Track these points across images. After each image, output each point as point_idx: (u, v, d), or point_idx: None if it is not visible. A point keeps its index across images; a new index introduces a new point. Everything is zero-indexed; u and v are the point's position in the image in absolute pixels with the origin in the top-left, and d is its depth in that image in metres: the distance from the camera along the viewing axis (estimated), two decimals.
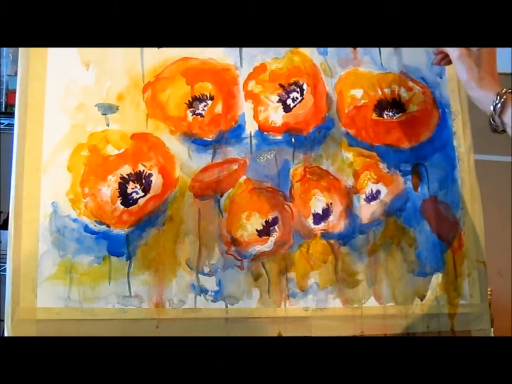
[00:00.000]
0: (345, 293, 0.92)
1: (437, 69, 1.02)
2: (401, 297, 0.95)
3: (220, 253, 0.87)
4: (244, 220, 0.89)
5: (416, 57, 1.02)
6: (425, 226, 0.98)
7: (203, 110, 0.90)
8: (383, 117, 0.99)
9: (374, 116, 0.99)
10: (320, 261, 0.92)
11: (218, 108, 0.91)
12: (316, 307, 0.90)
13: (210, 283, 0.86)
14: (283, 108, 0.94)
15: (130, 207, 0.84)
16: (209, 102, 0.91)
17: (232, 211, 0.89)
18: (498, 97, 0.75)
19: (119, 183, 0.85)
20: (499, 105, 0.74)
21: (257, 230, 0.90)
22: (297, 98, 0.95)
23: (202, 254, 0.86)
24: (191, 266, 0.86)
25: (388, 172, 0.98)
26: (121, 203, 0.84)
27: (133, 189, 0.85)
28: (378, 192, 0.97)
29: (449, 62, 0.85)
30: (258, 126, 0.92)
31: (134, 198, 0.85)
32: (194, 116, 0.90)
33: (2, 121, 1.66)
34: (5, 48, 1.68)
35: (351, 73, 0.99)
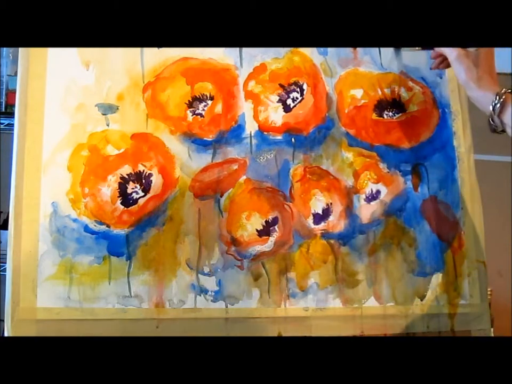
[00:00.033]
0: (345, 293, 0.92)
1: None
2: (401, 297, 0.95)
3: (220, 253, 0.87)
4: (243, 219, 0.89)
5: (416, 57, 1.02)
6: (425, 226, 0.98)
7: (203, 110, 0.90)
8: (383, 117, 0.99)
9: (374, 116, 0.99)
10: (320, 261, 0.92)
11: (218, 108, 0.91)
12: (315, 307, 0.90)
13: (210, 283, 0.86)
14: (283, 108, 0.94)
15: (130, 207, 0.85)
16: (209, 102, 0.91)
17: (232, 211, 0.89)
18: (497, 97, 0.75)
19: (119, 183, 0.85)
20: (498, 105, 0.74)
21: (257, 230, 0.90)
22: (297, 98, 0.95)
23: (202, 254, 0.86)
24: (191, 266, 0.86)
25: (388, 172, 0.98)
26: (121, 203, 0.84)
27: (133, 189, 0.85)
28: (378, 192, 0.97)
29: (448, 66, 0.85)
30: (258, 126, 0.92)
31: (134, 198, 0.85)
32: (194, 116, 0.90)
33: (2, 121, 1.66)
34: (5, 48, 1.68)
35: (351, 73, 0.99)
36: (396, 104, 1.00)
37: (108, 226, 0.83)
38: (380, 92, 0.99)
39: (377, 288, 0.94)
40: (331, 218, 0.93)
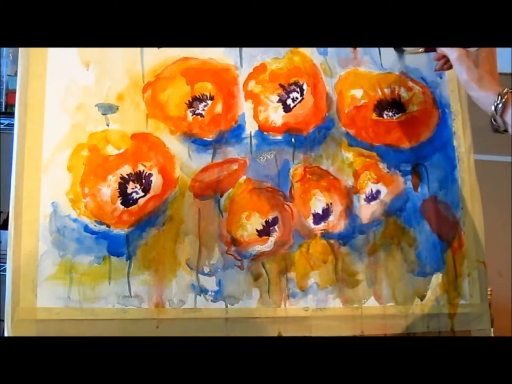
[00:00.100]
0: (345, 293, 0.92)
1: (434, 71, 1.02)
2: (401, 297, 0.95)
3: (220, 253, 0.87)
4: (243, 219, 0.89)
5: (416, 57, 1.02)
6: (425, 226, 0.98)
7: (203, 110, 0.90)
8: (383, 117, 0.99)
9: (374, 116, 0.99)
10: (320, 261, 0.92)
11: (218, 108, 0.91)
12: (315, 307, 0.90)
13: (210, 283, 0.86)
14: (283, 108, 0.94)
15: (130, 207, 0.84)
16: (209, 102, 0.91)
17: (232, 211, 0.89)
18: (499, 97, 0.75)
19: (119, 183, 0.85)
20: (500, 105, 0.74)
21: (257, 230, 0.90)
22: (297, 98, 0.95)
23: (202, 254, 0.86)
24: (191, 266, 0.86)
25: (388, 172, 0.98)
26: (121, 203, 0.84)
27: (133, 189, 0.85)
28: (378, 192, 0.97)
29: (452, 67, 0.85)
30: (258, 126, 0.92)
31: (134, 198, 0.85)
32: (194, 116, 0.90)
33: (2, 121, 1.66)
34: (5, 48, 1.68)
35: (351, 73, 0.99)
36: (396, 104, 1.00)
37: (108, 226, 0.83)
38: (380, 92, 0.99)
39: (377, 288, 0.94)
40: (331, 218, 0.93)
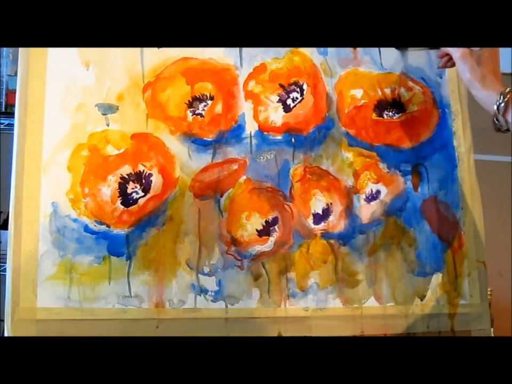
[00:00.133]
0: (345, 293, 0.92)
1: (436, 69, 1.02)
2: (401, 297, 0.95)
3: (220, 253, 0.87)
4: (244, 219, 0.89)
5: (416, 57, 1.02)
6: (425, 226, 0.98)
7: (203, 110, 0.90)
8: (383, 117, 0.99)
9: (374, 116, 0.99)
10: (320, 261, 0.92)
11: (218, 108, 0.91)
12: (315, 307, 0.90)
13: (210, 283, 0.86)
14: (283, 108, 0.94)
15: (130, 207, 0.84)
16: (209, 102, 0.91)
17: (232, 211, 0.89)
18: (501, 96, 0.75)
19: (119, 183, 0.85)
20: (502, 104, 0.74)
21: (257, 230, 0.90)
22: (297, 98, 0.95)
23: (202, 254, 0.86)
24: (191, 266, 0.86)
25: (388, 172, 0.98)
26: (121, 203, 0.84)
27: (133, 189, 0.85)
28: (378, 192, 0.97)
29: (454, 64, 0.85)
30: (258, 126, 0.92)
31: (134, 198, 0.85)
32: (194, 116, 0.90)
33: (2, 121, 1.66)
34: (5, 48, 1.68)
35: (351, 73, 0.99)
36: (396, 104, 1.00)
37: (108, 226, 0.83)
38: (379, 92, 0.99)
39: (377, 288, 0.94)
40: (331, 218, 0.93)
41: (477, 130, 1.04)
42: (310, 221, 0.92)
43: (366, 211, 0.95)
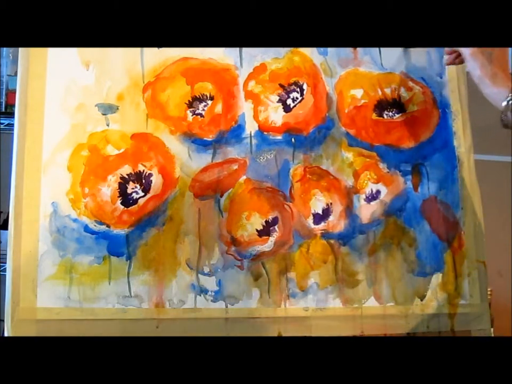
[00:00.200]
0: (345, 293, 0.92)
1: (437, 69, 1.02)
2: (401, 297, 0.95)
3: (220, 253, 0.87)
4: (244, 219, 0.89)
5: (417, 57, 1.02)
6: (425, 226, 0.98)
7: (203, 110, 0.90)
8: (383, 117, 0.99)
9: (374, 116, 0.99)
10: (320, 261, 0.92)
11: (218, 108, 0.91)
12: (316, 307, 0.90)
13: (210, 283, 0.86)
14: (283, 108, 0.94)
15: (130, 207, 0.84)
16: (209, 102, 0.91)
17: (232, 211, 0.89)
18: None
19: (119, 183, 0.85)
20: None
21: (257, 230, 0.90)
22: (297, 98, 0.95)
23: (202, 254, 0.86)
24: (191, 266, 0.86)
25: (388, 172, 0.98)
26: (121, 203, 0.84)
27: (133, 189, 0.85)
28: (378, 192, 0.97)
29: (462, 61, 0.84)
30: (258, 126, 0.92)
31: (134, 198, 0.85)
32: (194, 116, 0.90)
33: (2, 121, 1.66)
34: (5, 48, 1.68)
35: (351, 73, 0.99)
36: (396, 104, 1.00)
37: (108, 226, 0.83)
38: (380, 92, 0.99)
39: (377, 288, 0.94)
40: (331, 218, 0.93)
41: (477, 130, 1.04)
42: (310, 221, 0.92)
43: (366, 211, 0.95)
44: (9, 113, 1.66)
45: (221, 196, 0.89)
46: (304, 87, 0.96)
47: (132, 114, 0.87)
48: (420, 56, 1.02)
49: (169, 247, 0.85)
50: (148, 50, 0.89)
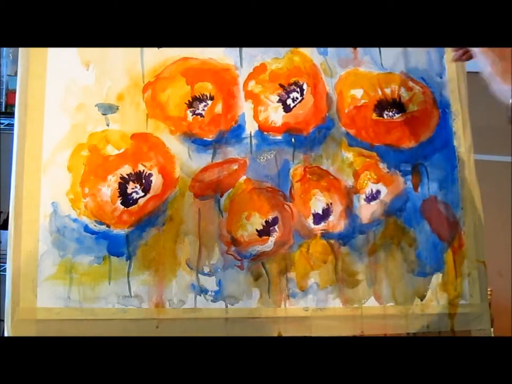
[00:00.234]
0: (345, 293, 0.92)
1: (437, 69, 1.02)
2: (401, 297, 0.95)
3: (220, 253, 0.87)
4: (244, 219, 0.89)
5: (417, 57, 1.02)
6: (425, 226, 0.98)
7: (203, 110, 0.90)
8: (383, 117, 0.99)
9: (374, 116, 0.99)
10: (320, 261, 0.92)
11: (218, 108, 0.91)
12: (316, 307, 0.90)
13: (210, 283, 0.86)
14: (283, 108, 0.94)
15: (130, 207, 0.84)
16: (209, 102, 0.91)
17: (232, 211, 0.89)
18: None
19: (119, 183, 0.85)
20: None
21: (257, 230, 0.90)
22: (297, 98, 0.95)
23: (202, 254, 0.86)
24: (191, 266, 0.86)
25: (388, 172, 0.98)
26: (121, 203, 0.84)
27: (133, 189, 0.85)
28: (378, 192, 0.97)
29: (469, 58, 0.84)
30: (258, 126, 0.92)
31: (134, 198, 0.85)
32: (194, 116, 0.90)
33: (2, 121, 1.66)
34: (5, 48, 1.68)
35: (351, 73, 0.99)
36: (396, 104, 1.00)
37: (108, 226, 0.83)
38: (380, 92, 0.99)
39: (377, 288, 0.94)
40: (331, 218, 0.93)
41: (477, 130, 1.04)
42: (310, 221, 0.92)
43: (366, 211, 0.95)
44: (9, 113, 1.66)
45: (221, 196, 0.89)
46: (304, 87, 0.96)
47: (132, 114, 0.87)
48: (420, 56, 1.02)
49: (169, 247, 0.85)
50: (147, 50, 0.89)
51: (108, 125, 0.86)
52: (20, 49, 0.84)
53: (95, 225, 0.83)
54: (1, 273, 1.52)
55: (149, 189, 0.86)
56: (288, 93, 0.95)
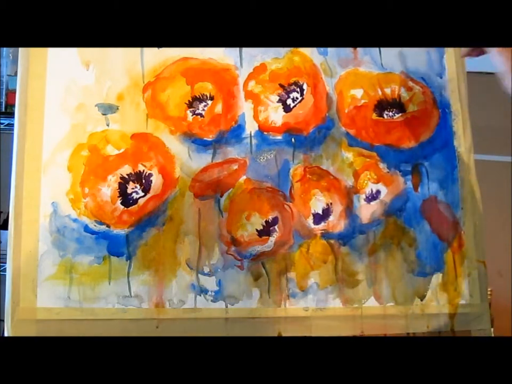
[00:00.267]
0: (345, 293, 0.92)
1: (437, 69, 1.02)
2: (401, 297, 0.95)
3: (220, 253, 0.87)
4: (244, 219, 0.89)
5: (416, 57, 1.02)
6: (425, 226, 0.98)
7: (203, 110, 0.90)
8: (383, 117, 0.99)
9: (374, 116, 0.99)
10: (320, 261, 0.92)
11: (218, 108, 0.91)
12: (315, 307, 0.90)
13: (210, 283, 0.86)
14: (283, 108, 0.94)
15: (130, 207, 0.85)
16: (209, 102, 0.91)
17: (232, 211, 0.89)
18: None
19: (119, 183, 0.85)
20: None
21: (257, 230, 0.90)
22: (297, 98, 0.95)
23: (202, 254, 0.86)
24: (191, 266, 0.86)
25: (388, 172, 0.98)
26: (121, 203, 0.84)
27: (133, 189, 0.85)
28: (378, 192, 0.97)
29: (479, 54, 0.83)
30: (258, 126, 0.92)
31: (134, 198, 0.85)
32: (194, 116, 0.90)
33: (2, 121, 1.66)
34: (5, 48, 1.68)
35: (351, 73, 0.99)
36: (396, 104, 1.00)
37: (108, 226, 0.83)
38: (380, 92, 0.99)
39: (377, 288, 0.94)
40: (331, 218, 0.93)
41: (477, 130, 1.04)
42: (310, 221, 0.92)
43: (366, 211, 0.95)
44: (9, 113, 1.66)
45: (221, 196, 0.89)
46: (304, 87, 0.96)
47: (132, 114, 0.87)
48: (420, 56, 1.02)
49: (169, 247, 0.85)
50: (147, 50, 0.89)
51: (108, 125, 0.86)
52: (20, 49, 0.84)
53: (95, 225, 0.83)
54: (1, 273, 1.52)
55: (149, 189, 0.86)
56: (288, 93, 0.95)
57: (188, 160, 0.88)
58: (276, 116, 0.93)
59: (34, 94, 0.83)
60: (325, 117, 0.96)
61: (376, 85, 0.99)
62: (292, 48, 0.96)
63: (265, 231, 0.90)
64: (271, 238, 0.90)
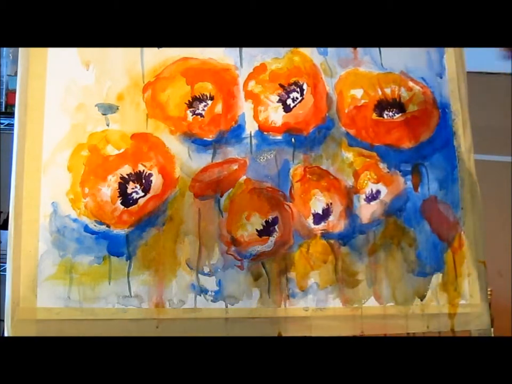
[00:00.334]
0: (345, 293, 0.92)
1: (437, 69, 1.02)
2: (401, 297, 0.95)
3: (220, 253, 0.87)
4: (244, 219, 0.89)
5: (416, 57, 1.02)
6: (425, 226, 0.98)
7: (203, 110, 0.90)
8: (383, 117, 0.99)
9: (374, 116, 0.99)
10: (320, 261, 0.92)
11: (218, 108, 0.91)
12: (316, 307, 0.90)
13: (210, 283, 0.86)
14: (283, 108, 0.94)
15: (130, 207, 0.84)
16: (209, 102, 0.91)
17: (232, 211, 0.89)
18: None
19: (119, 183, 0.85)
20: None
21: (257, 230, 0.90)
22: (297, 98, 0.95)
23: (202, 254, 0.86)
24: (191, 266, 0.86)
25: (388, 172, 0.98)
26: (121, 203, 0.84)
27: (133, 189, 0.85)
28: (378, 192, 0.97)
29: None
30: (258, 126, 0.92)
31: (134, 198, 0.85)
32: (194, 116, 0.90)
33: (2, 121, 1.66)
34: (5, 48, 1.68)
35: (351, 73, 0.99)
36: (396, 104, 1.00)
37: (108, 226, 0.83)
38: (380, 92, 0.99)
39: (377, 288, 0.94)
40: (331, 218, 0.93)
41: (477, 130, 1.04)
42: (310, 221, 0.92)
43: (366, 211, 0.95)
44: (9, 113, 1.66)
45: (221, 196, 0.89)
46: (304, 87, 0.96)
47: (132, 114, 0.87)
48: (420, 56, 1.02)
49: (169, 247, 0.85)
50: (147, 50, 0.89)
51: (108, 125, 0.86)
52: (20, 49, 0.84)
53: (95, 225, 0.83)
54: (1, 273, 1.52)
55: (149, 189, 0.86)
56: (288, 93, 0.95)
57: (187, 160, 0.88)
58: (276, 115, 0.93)
59: (34, 94, 0.83)
60: (325, 117, 0.96)
61: (376, 85, 0.99)
62: (291, 48, 0.96)
63: (265, 231, 0.90)
64: (271, 238, 0.90)
